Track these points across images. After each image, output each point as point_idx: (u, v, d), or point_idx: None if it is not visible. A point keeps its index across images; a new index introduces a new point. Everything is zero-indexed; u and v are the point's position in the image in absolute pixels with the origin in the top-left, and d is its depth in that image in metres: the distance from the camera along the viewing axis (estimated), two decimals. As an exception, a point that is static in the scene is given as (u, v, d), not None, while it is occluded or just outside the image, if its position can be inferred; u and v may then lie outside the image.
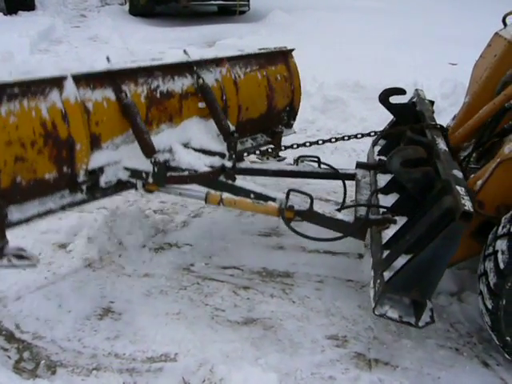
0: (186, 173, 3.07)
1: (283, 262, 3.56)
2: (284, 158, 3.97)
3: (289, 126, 4.21)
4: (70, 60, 8.01)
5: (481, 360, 2.83)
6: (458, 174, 2.68)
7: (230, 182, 3.20)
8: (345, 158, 5.36)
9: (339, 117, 6.24)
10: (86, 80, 2.88)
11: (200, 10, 13.30)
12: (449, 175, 2.64)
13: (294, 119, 4.26)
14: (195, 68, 3.41)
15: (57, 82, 2.76)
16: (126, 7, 13.09)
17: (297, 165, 3.65)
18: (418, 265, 2.47)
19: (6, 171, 2.58)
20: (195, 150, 3.28)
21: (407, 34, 11.01)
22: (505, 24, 3.66)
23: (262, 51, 3.92)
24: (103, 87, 2.95)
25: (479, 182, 2.73)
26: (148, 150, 2.99)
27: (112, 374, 2.66)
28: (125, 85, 3.04)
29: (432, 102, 3.90)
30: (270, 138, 4.01)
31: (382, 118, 5.53)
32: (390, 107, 3.78)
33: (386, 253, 2.70)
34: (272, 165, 3.67)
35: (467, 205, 2.34)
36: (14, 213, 2.68)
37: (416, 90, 4.03)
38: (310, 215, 3.01)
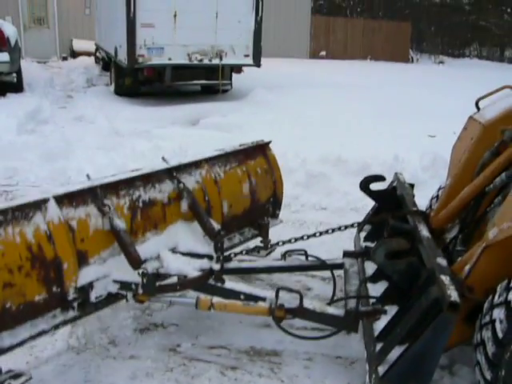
0: (176, 280, 3.10)
1: (270, 340, 3.50)
2: (274, 249, 4.00)
3: (275, 216, 4.29)
4: (56, 140, 8.07)
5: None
6: (442, 261, 2.72)
7: (219, 284, 3.22)
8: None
9: (323, 191, 6.31)
10: (67, 199, 2.94)
11: (183, 90, 13.58)
12: (433, 263, 2.67)
13: (279, 209, 4.34)
14: (175, 173, 3.51)
15: (39, 205, 2.81)
16: (112, 87, 13.45)
17: (284, 260, 3.69)
18: (411, 357, 2.47)
19: (-7, 299, 2.61)
20: (183, 254, 3.34)
21: (385, 107, 11.38)
22: (478, 108, 3.80)
23: (240, 147, 4.05)
24: (85, 204, 3.02)
25: (467, 267, 2.76)
26: (135, 261, 3.03)
27: None
28: (107, 199, 3.11)
29: (412, 186, 4.01)
30: (257, 231, 4.07)
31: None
32: (372, 194, 3.88)
33: (378, 346, 2.71)
34: (260, 262, 3.72)
35: (453, 295, 2.35)
36: (6, 338, 2.67)
37: (396, 173, 4.14)
38: (301, 312, 3.03)
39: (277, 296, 3.02)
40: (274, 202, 4.27)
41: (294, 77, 15.69)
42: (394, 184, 4.01)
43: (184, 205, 3.49)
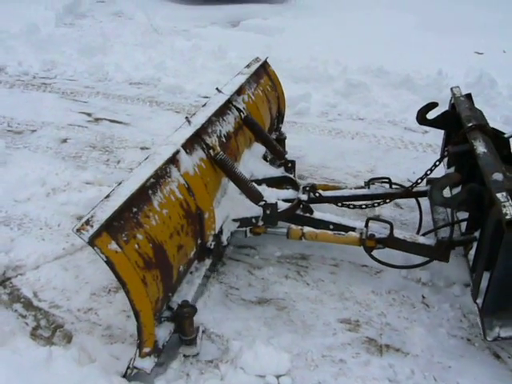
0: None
1: (299, 245, 3.41)
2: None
3: (278, 130, 4.38)
4: (93, 35, 7.83)
5: (492, 352, 2.75)
6: (498, 176, 2.52)
7: (307, 214, 3.21)
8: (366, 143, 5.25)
9: (361, 102, 6.08)
10: (186, 148, 2.76)
11: None
12: (490, 182, 2.50)
13: (282, 122, 4.44)
14: (234, 103, 3.41)
15: (173, 159, 2.62)
16: None
17: (368, 187, 3.57)
18: (497, 284, 2.40)
19: (175, 265, 2.48)
20: (259, 181, 3.35)
21: (433, 20, 10.39)
22: None
23: (253, 70, 3.96)
24: (195, 149, 2.87)
25: None
26: (256, 196, 3.00)
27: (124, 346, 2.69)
28: (206, 140, 2.97)
29: (469, 96, 3.64)
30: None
31: (404, 105, 5.62)
32: (433, 123, 3.57)
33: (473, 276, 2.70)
34: (344, 191, 3.57)
35: (509, 212, 2.22)
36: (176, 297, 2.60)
37: (451, 89, 3.78)
38: (392, 242, 2.99)
39: (367, 226, 3.03)
40: (279, 116, 4.36)
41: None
42: (452, 101, 3.65)
43: (247, 132, 3.44)
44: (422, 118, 3.49)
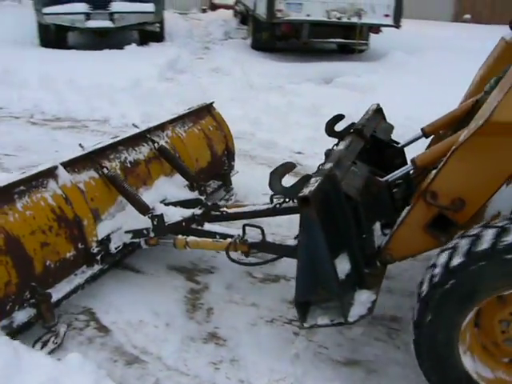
0: (181, 219, 3.48)
1: (390, 305, 3.40)
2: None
3: (230, 167, 4.77)
4: (192, 90, 8.18)
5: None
6: (327, 165, 2.72)
7: (199, 227, 3.52)
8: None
9: None
10: (71, 166, 3.26)
11: (319, 47, 13.35)
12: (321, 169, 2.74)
13: (234, 160, 4.83)
14: (148, 136, 3.89)
15: (51, 173, 3.12)
16: (249, 41, 13.46)
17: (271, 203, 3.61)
18: (303, 267, 2.50)
19: (37, 258, 2.89)
20: (172, 203, 3.71)
21: None
22: None
23: (190, 110, 4.50)
24: (86, 168, 3.36)
25: (434, 171, 2.62)
26: (143, 208, 3.38)
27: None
28: (102, 163, 3.45)
29: (379, 110, 3.90)
30: (221, 181, 4.53)
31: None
32: (338, 135, 3.56)
33: None
34: (249, 207, 3.74)
35: (305, 191, 2.39)
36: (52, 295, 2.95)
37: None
38: (264, 246, 3.17)
39: (244, 232, 3.21)
40: (228, 154, 4.77)
41: (436, 40, 14.01)
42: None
43: (162, 162, 3.88)
44: (330, 130, 3.59)
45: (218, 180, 4.55)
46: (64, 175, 3.16)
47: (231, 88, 8.87)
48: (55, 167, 3.13)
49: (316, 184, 2.46)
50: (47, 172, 3.10)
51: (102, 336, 3.10)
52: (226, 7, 19.90)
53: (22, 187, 2.94)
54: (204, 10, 20.93)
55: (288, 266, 3.37)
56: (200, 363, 2.94)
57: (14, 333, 2.74)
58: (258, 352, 3.01)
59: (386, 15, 11.61)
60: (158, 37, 12.74)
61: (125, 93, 7.88)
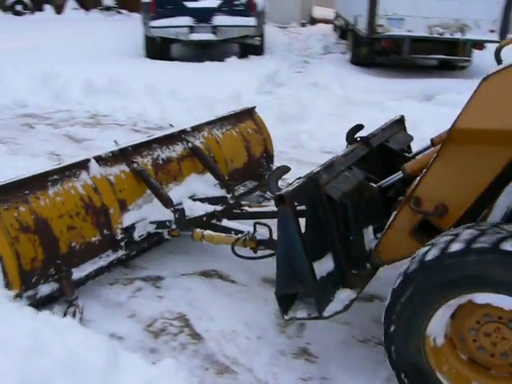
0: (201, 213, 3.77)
1: None
2: None
3: (269, 169, 4.98)
4: (290, 103, 8.28)
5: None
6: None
7: (218, 223, 3.79)
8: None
9: None
10: (104, 160, 3.63)
11: (419, 63, 13.10)
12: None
13: (272, 162, 5.06)
14: (183, 136, 4.20)
15: (83, 165, 3.50)
16: (348, 56, 13.52)
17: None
18: (281, 263, 2.64)
19: (63, 239, 3.26)
20: (200, 199, 4.00)
21: None
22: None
23: (230, 113, 4.81)
24: (117, 163, 3.71)
25: (418, 178, 2.68)
26: (167, 202, 3.69)
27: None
28: (134, 158, 3.80)
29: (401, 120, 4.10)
30: (258, 182, 4.77)
31: None
32: None
33: None
34: (268, 208, 3.95)
35: (284, 190, 2.57)
36: (75, 273, 3.32)
37: None
38: (271, 244, 3.31)
39: (254, 229, 3.41)
40: (267, 156, 5.00)
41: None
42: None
43: (195, 161, 4.18)
44: (350, 138, 3.73)
45: (255, 180, 4.79)
46: (95, 168, 3.52)
47: (330, 103, 8.73)
48: (87, 160, 3.51)
49: (296, 185, 2.63)
50: (80, 164, 3.48)
51: (195, 343, 3.17)
52: (326, 21, 19.83)
53: (55, 176, 3.33)
54: (303, 24, 20.79)
55: (383, 286, 3.27)
56: (290, 378, 2.93)
57: (37, 303, 3.11)
58: (349, 371, 2.96)
59: (492, 31, 11.13)
60: (258, 50, 12.94)
61: (225, 104, 7.86)
